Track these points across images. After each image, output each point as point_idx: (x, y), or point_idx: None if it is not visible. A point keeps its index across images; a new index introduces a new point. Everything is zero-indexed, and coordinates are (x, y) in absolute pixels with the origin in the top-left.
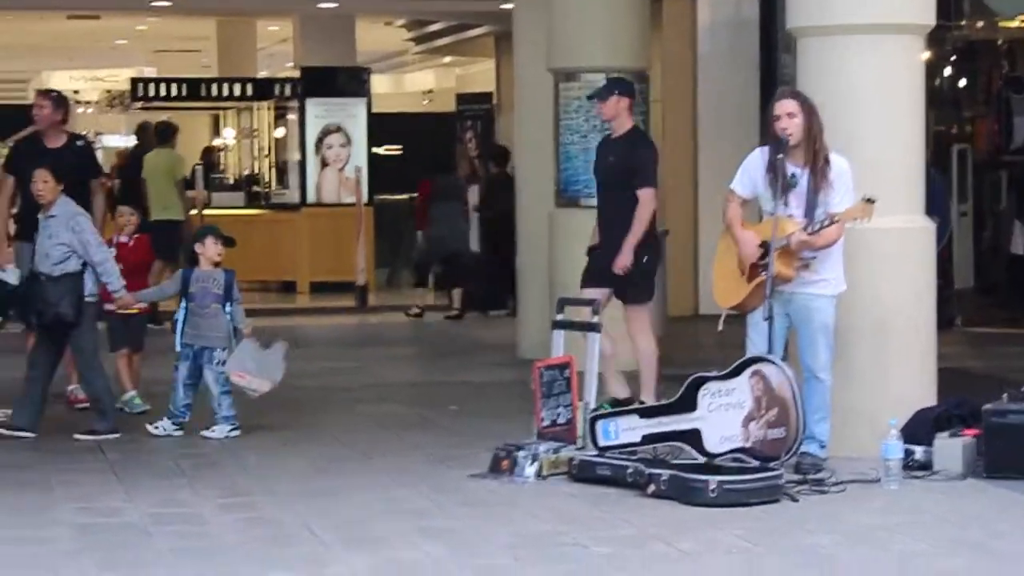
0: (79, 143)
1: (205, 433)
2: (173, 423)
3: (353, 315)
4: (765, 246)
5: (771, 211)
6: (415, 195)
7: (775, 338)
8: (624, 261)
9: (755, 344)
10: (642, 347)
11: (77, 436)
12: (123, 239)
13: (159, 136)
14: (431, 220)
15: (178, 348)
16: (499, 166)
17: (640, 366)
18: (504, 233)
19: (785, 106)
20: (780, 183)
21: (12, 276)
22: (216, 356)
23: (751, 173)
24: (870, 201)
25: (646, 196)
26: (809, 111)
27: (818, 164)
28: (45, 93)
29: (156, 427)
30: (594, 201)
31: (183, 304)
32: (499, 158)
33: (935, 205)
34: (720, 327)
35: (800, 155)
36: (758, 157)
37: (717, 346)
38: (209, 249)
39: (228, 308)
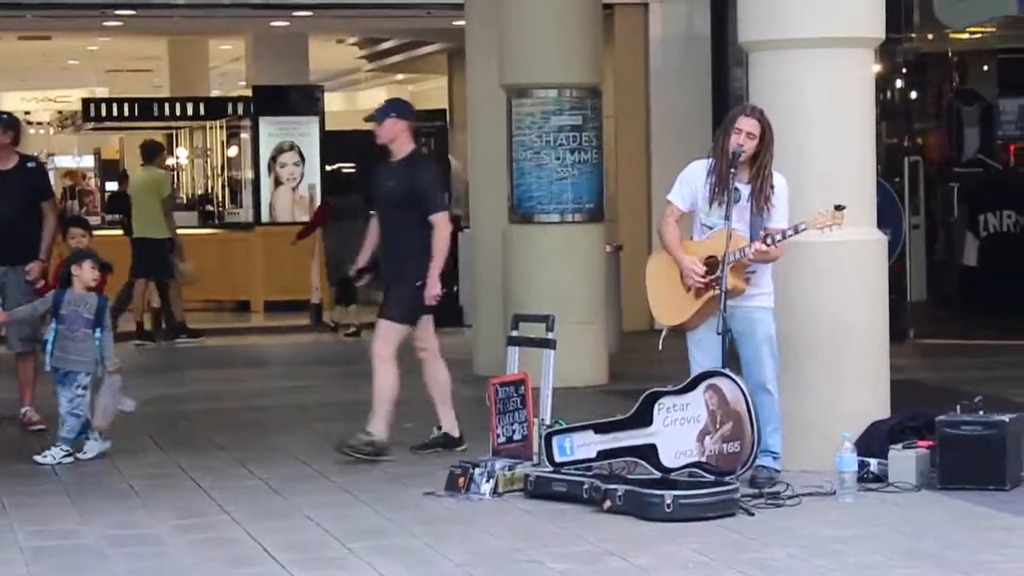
0: (30, 164)
1: (38, 458)
2: (62, 449)
3: (308, 334)
4: (712, 260)
5: (708, 224)
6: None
7: (724, 353)
8: (434, 290)
9: (699, 362)
10: (380, 373)
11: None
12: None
13: (144, 155)
14: (328, 240)
15: (47, 368)
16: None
17: (374, 394)
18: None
19: (749, 124)
20: (729, 197)
21: None
22: (79, 380)
23: (691, 184)
24: (840, 208)
25: (441, 220)
26: (768, 135)
27: (764, 188)
28: None
29: (45, 455)
30: (549, 217)
31: (53, 326)
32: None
33: (886, 218)
34: (660, 346)
35: (745, 172)
36: (699, 168)
37: (671, 361)
38: (86, 273)
39: (98, 334)
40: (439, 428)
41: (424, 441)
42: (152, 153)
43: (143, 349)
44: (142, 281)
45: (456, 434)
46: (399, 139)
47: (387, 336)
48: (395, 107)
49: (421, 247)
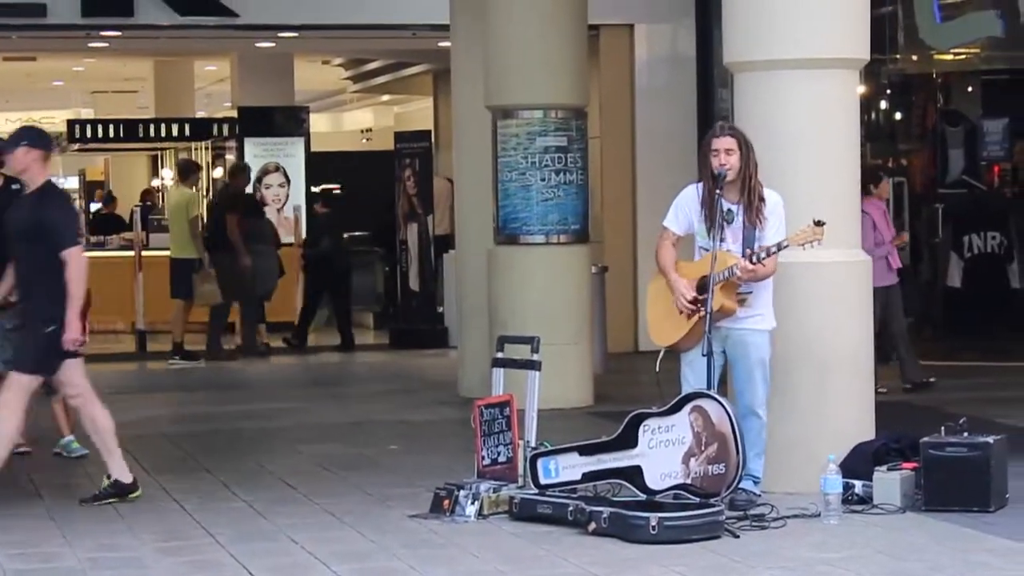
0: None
1: None
2: None
3: (293, 355)
4: (704, 281)
5: (705, 247)
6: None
7: (712, 375)
8: (72, 335)
9: (689, 382)
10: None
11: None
12: None
13: (179, 173)
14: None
15: None
16: (326, 207)
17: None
18: (331, 270)
19: (724, 142)
20: (717, 218)
21: None
22: None
23: (685, 209)
24: (820, 224)
25: (74, 256)
26: (747, 148)
27: (753, 201)
28: None
29: None
30: (534, 238)
31: None
32: (330, 200)
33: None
34: (658, 367)
35: (735, 192)
36: (692, 193)
37: (656, 382)
38: None
39: None
40: (108, 477)
41: (94, 492)
42: (186, 172)
43: (182, 370)
44: (180, 302)
45: (128, 480)
46: (31, 169)
47: (17, 388)
48: (28, 135)
49: (53, 286)
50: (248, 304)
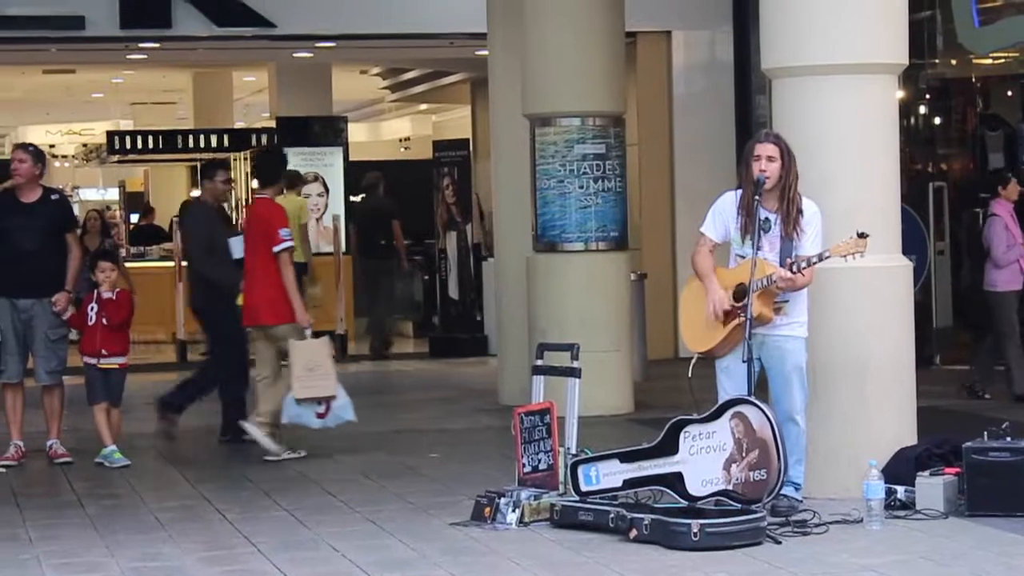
0: (54, 197)
1: None
2: None
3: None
4: (741, 288)
5: (742, 254)
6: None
7: (752, 381)
8: None
9: (726, 390)
10: None
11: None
12: (107, 295)
13: (289, 184)
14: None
15: None
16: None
17: None
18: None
19: (766, 149)
20: (755, 225)
21: None
22: None
23: (723, 216)
24: (863, 236)
25: None
26: (788, 158)
27: (791, 212)
28: (24, 147)
29: None
30: (573, 246)
31: None
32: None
33: (911, 244)
34: (690, 373)
35: (773, 200)
36: (730, 199)
37: (697, 389)
38: None
39: None
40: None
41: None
42: (294, 181)
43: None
44: None
45: None
46: None
47: None
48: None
49: None
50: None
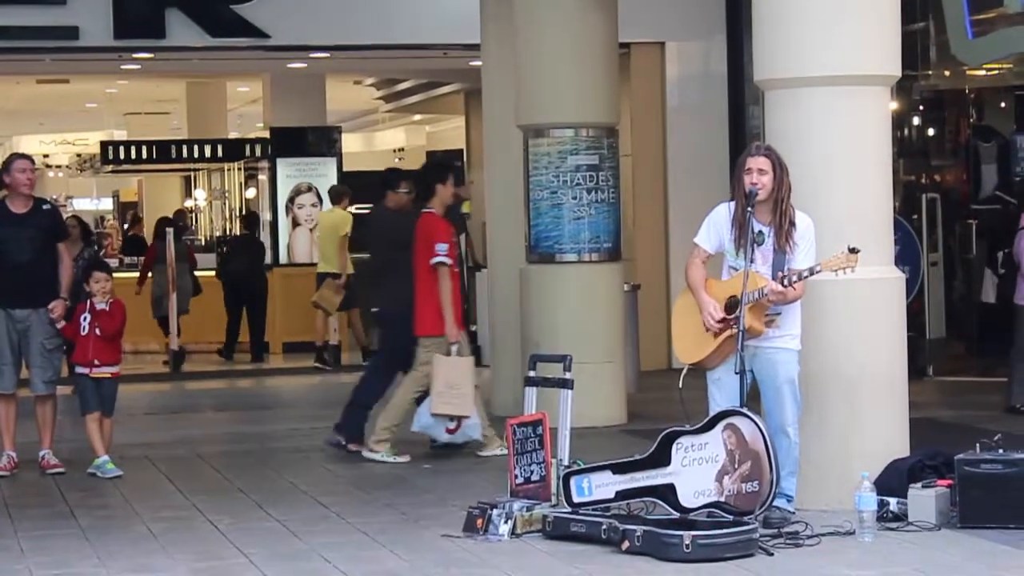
0: (45, 207)
1: None
2: None
3: (326, 375)
4: (733, 300)
5: (735, 266)
6: None
7: (744, 393)
8: None
9: (717, 401)
10: None
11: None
12: (101, 306)
13: (332, 198)
14: (154, 280)
15: None
16: (248, 229)
17: None
18: (247, 290)
19: (758, 162)
20: (747, 237)
21: None
22: None
23: (717, 227)
24: (854, 251)
25: None
26: (780, 170)
27: (783, 225)
28: (28, 158)
29: None
30: (566, 257)
31: None
32: (248, 222)
33: (904, 255)
34: (680, 384)
35: (766, 213)
36: (724, 211)
37: (688, 400)
38: None
39: None
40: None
41: None
42: (338, 196)
43: (225, 389)
44: (356, 310)
45: None
46: None
47: None
48: None
49: None
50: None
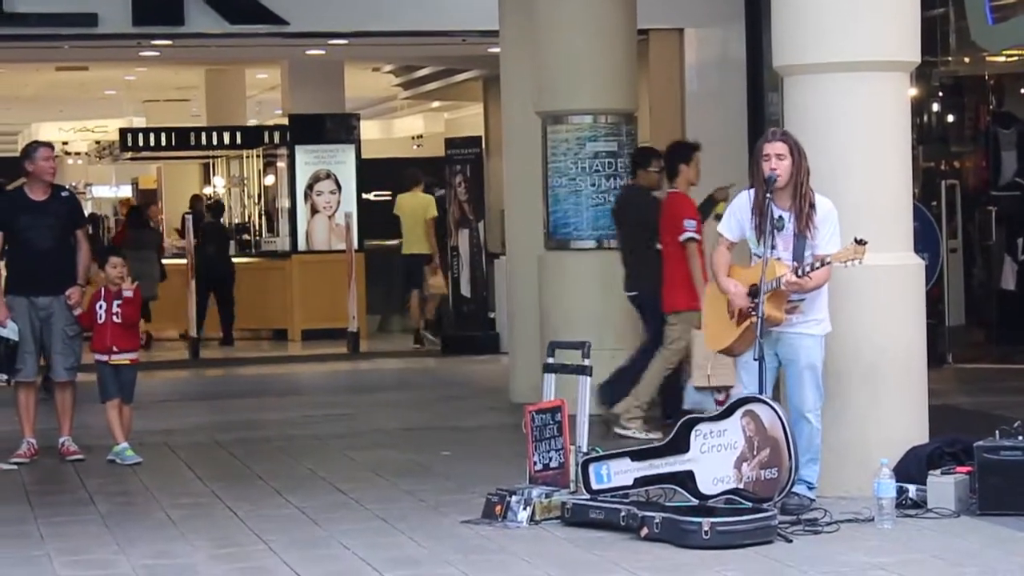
0: (64, 194)
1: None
2: None
3: (345, 362)
4: (754, 288)
5: (758, 253)
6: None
7: (764, 379)
8: None
9: (745, 384)
10: None
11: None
12: (128, 293)
13: (410, 182)
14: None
15: None
16: (215, 217)
17: None
18: (216, 276)
19: (775, 147)
20: (767, 224)
21: (12, 332)
22: None
23: (738, 215)
24: (861, 243)
25: None
26: (798, 154)
27: (804, 209)
28: (49, 145)
29: None
30: (584, 244)
31: None
32: (215, 211)
33: (924, 242)
34: (708, 371)
35: (786, 198)
36: (745, 199)
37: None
38: None
39: None
40: None
41: None
42: (415, 181)
43: (238, 377)
44: (416, 292)
45: None
46: None
47: None
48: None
49: None
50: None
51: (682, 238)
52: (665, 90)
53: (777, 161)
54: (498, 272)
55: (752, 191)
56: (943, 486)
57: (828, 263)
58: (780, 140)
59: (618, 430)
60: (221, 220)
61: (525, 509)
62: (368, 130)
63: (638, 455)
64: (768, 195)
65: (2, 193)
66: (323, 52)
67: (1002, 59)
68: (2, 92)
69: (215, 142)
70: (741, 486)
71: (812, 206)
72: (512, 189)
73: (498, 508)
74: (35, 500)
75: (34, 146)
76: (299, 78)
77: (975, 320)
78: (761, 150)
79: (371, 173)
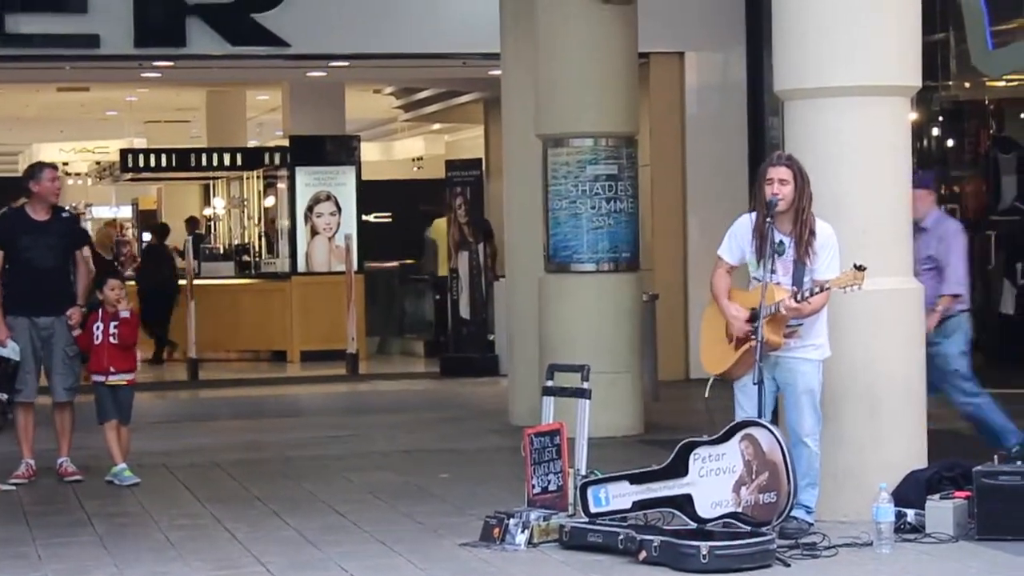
0: (64, 214)
1: None
2: None
3: (344, 383)
4: (753, 312)
5: (758, 277)
6: (406, 262)
7: (764, 403)
8: None
9: (743, 408)
10: None
11: None
12: (125, 314)
13: (446, 206)
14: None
15: None
16: (159, 240)
17: None
18: (158, 298)
19: (779, 171)
20: (768, 248)
21: (13, 352)
22: None
23: (738, 239)
24: (860, 268)
25: None
26: (802, 180)
27: (804, 236)
28: (53, 167)
29: None
30: (584, 266)
31: None
32: (160, 233)
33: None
34: (707, 393)
35: (788, 223)
36: (746, 222)
37: (706, 409)
38: None
39: None
40: None
41: None
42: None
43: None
44: None
45: None
46: None
47: None
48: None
49: None
50: None
51: None
52: (666, 114)
53: (780, 186)
54: (498, 294)
55: (754, 214)
56: (942, 511)
57: (827, 289)
58: (784, 165)
59: None
60: (165, 243)
61: (523, 532)
62: (368, 152)
63: (637, 478)
64: (769, 219)
65: (3, 213)
66: (324, 74)
67: (1002, 84)
68: (3, 112)
69: (215, 163)
70: (739, 510)
71: (812, 233)
72: (512, 211)
73: (496, 531)
74: (33, 521)
75: (40, 167)
76: (300, 100)
77: (974, 344)
78: (765, 173)
79: (371, 195)
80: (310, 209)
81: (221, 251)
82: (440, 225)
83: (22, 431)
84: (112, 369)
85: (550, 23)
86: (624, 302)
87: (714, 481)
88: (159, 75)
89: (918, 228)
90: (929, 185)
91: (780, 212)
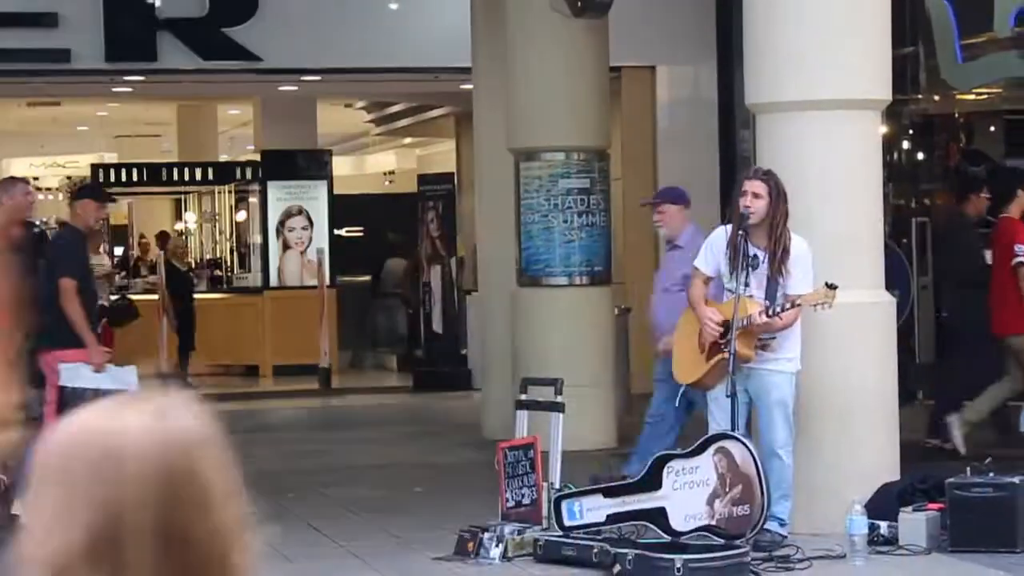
0: (34, 231)
1: None
2: None
3: (317, 397)
4: (726, 325)
5: (731, 288)
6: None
7: (737, 415)
8: None
9: (717, 420)
10: None
11: None
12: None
13: None
14: None
15: None
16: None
17: None
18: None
19: (754, 185)
20: (740, 260)
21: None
22: None
23: (714, 250)
24: (832, 287)
25: None
26: (776, 196)
27: (777, 252)
28: (27, 182)
29: None
30: (557, 280)
31: None
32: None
33: (895, 279)
34: (676, 403)
35: (762, 237)
36: (721, 234)
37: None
38: None
39: None
40: None
41: None
42: None
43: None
44: None
45: None
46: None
47: None
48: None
49: None
50: None
51: (1014, 263)
52: (637, 127)
53: (752, 200)
54: (470, 308)
55: (728, 227)
56: (915, 523)
57: (798, 305)
58: (761, 179)
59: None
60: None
61: (498, 546)
62: (340, 166)
63: (611, 492)
64: (742, 232)
65: None
66: (295, 88)
67: (972, 97)
68: None
69: (187, 178)
70: (713, 523)
71: (786, 251)
72: (484, 225)
73: (470, 544)
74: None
75: (12, 181)
76: (271, 114)
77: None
78: (741, 185)
79: (343, 209)
80: (282, 223)
81: (193, 266)
82: (396, 266)
83: None
84: None
85: (522, 37)
86: (596, 315)
87: (688, 494)
88: (130, 89)
89: (672, 246)
90: (681, 201)
91: (753, 225)
